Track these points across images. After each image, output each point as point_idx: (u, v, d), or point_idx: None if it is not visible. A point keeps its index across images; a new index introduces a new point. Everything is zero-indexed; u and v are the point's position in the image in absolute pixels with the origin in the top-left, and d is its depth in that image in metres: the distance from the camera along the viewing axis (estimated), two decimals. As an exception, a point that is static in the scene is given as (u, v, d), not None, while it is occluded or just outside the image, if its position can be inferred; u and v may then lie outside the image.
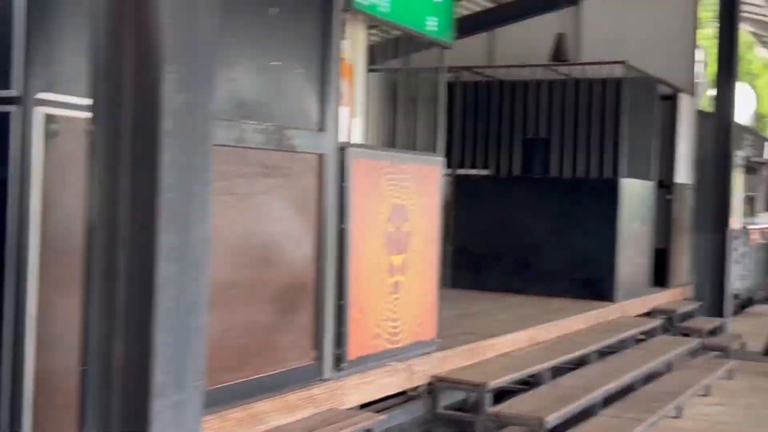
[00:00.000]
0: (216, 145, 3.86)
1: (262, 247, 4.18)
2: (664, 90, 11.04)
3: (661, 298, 10.65)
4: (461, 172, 10.02)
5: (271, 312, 4.26)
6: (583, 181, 9.38)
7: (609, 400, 6.63)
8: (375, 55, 6.10)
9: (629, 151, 9.49)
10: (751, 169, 16.13)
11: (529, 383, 6.58)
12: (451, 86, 10.53)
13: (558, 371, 7.17)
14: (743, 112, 21.28)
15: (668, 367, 8.17)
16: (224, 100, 3.91)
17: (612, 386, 6.47)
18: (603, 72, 9.44)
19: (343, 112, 4.87)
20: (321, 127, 4.55)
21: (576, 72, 9.63)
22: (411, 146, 5.90)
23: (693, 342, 9.05)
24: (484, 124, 9.87)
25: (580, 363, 7.46)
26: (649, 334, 9.41)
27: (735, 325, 12.13)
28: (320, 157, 4.54)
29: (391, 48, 6.20)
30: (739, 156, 11.58)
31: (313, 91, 4.49)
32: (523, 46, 12.11)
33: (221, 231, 3.94)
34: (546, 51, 11.78)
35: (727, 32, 11.50)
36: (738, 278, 14.37)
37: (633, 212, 9.60)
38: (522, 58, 10.53)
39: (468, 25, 12.50)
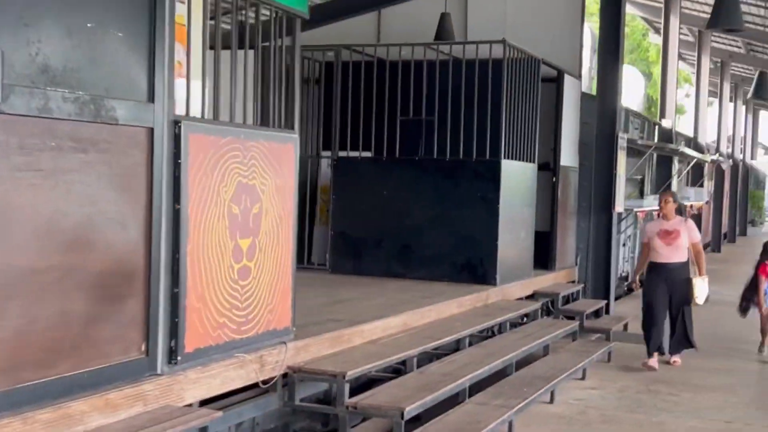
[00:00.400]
0: (14, 114, 3.47)
1: (77, 229, 3.76)
2: (549, 72, 10.95)
3: (545, 281, 10.57)
4: (342, 154, 9.71)
5: (90, 301, 3.85)
6: (465, 162, 9.16)
7: (481, 386, 6.43)
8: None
9: (511, 133, 9.32)
10: (639, 152, 16.29)
11: (399, 371, 6.33)
12: (330, 66, 10.29)
13: (434, 357, 6.94)
14: (633, 96, 21.56)
15: (545, 351, 8.05)
16: (24, 64, 3.48)
17: (481, 372, 6.26)
18: (486, 52, 9.22)
19: (180, 82, 4.48)
20: (150, 98, 4.15)
21: (459, 52, 9.39)
22: (278, 124, 5.53)
23: (572, 324, 8.95)
24: (366, 105, 9.55)
25: (455, 349, 7.25)
26: (530, 317, 9.31)
27: (620, 307, 12.18)
28: (149, 131, 4.15)
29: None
30: (623, 138, 11.57)
31: (139, 58, 4.08)
32: (409, 25, 11.86)
33: (22, 211, 3.52)
34: (433, 31, 11.57)
35: (611, 15, 11.46)
36: (625, 260, 14.49)
37: (515, 194, 9.45)
38: (408, 38, 10.26)
39: (352, 5, 12.23)
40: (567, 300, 10.71)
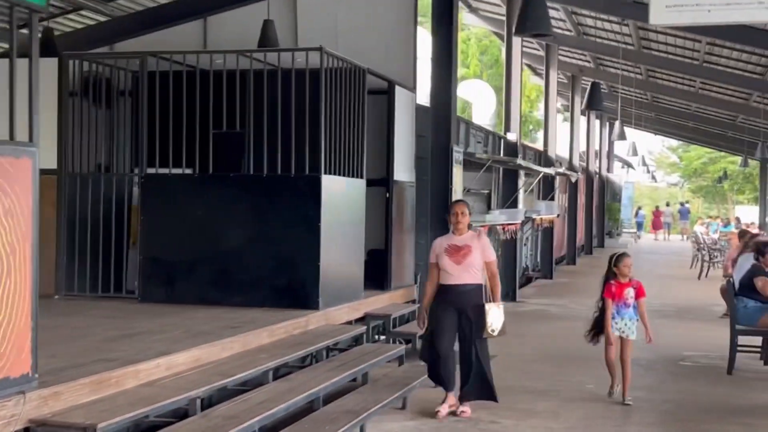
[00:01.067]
0: None
1: None
2: (380, 84, 10.50)
3: (379, 301, 10.06)
4: (151, 171, 8.94)
5: None
6: (284, 178, 8.55)
7: (277, 427, 5.80)
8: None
9: (333, 147, 8.78)
10: (486, 167, 16.08)
11: (188, 413, 5.63)
12: (136, 75, 9.51)
13: (231, 394, 6.27)
14: (486, 112, 21.53)
15: (364, 380, 7.50)
16: None
17: (275, 411, 5.63)
18: (314, 61, 8.64)
19: None
20: None
21: (285, 61, 8.78)
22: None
23: (398, 349, 8.44)
24: (177, 118, 8.83)
25: (258, 384, 6.60)
26: (357, 341, 8.76)
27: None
28: None
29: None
30: (458, 152, 11.23)
31: None
32: (237, 33, 11.20)
33: None
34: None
35: (442, 23, 11.13)
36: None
37: (339, 212, 8.90)
38: (234, 46, 9.60)
39: (177, 12, 11.48)
40: (402, 321, 10.23)
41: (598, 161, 35.34)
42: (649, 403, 8.08)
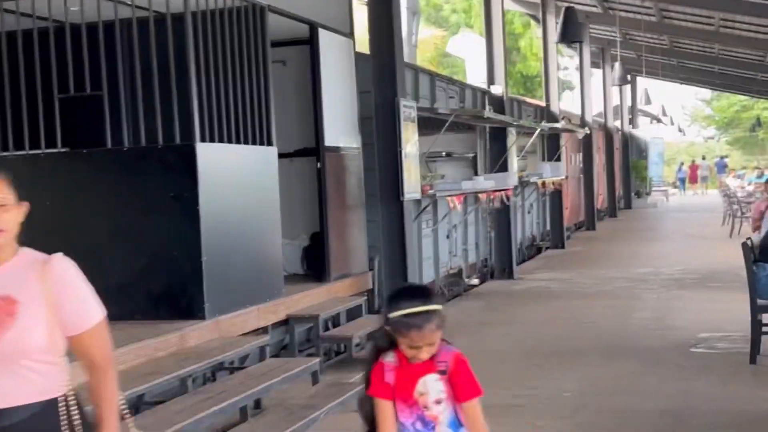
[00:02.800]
0: None
1: None
2: (298, 29, 8.52)
3: (312, 297, 8.12)
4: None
5: None
6: (149, 151, 6.61)
7: None
8: None
9: (214, 107, 6.80)
10: (469, 127, 14.01)
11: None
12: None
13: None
14: (479, 68, 19.34)
15: (257, 406, 5.60)
16: None
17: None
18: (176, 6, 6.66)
19: None
20: None
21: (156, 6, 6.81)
22: None
23: (309, 364, 6.47)
24: (11, 83, 6.91)
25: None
26: (269, 354, 6.83)
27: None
28: None
29: None
30: (408, 107, 9.19)
31: None
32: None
33: None
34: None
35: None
36: (452, 254, 12.17)
37: (232, 190, 6.94)
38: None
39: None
40: (338, 321, 8.28)
41: (619, 118, 32.99)
42: (641, 416, 6.05)
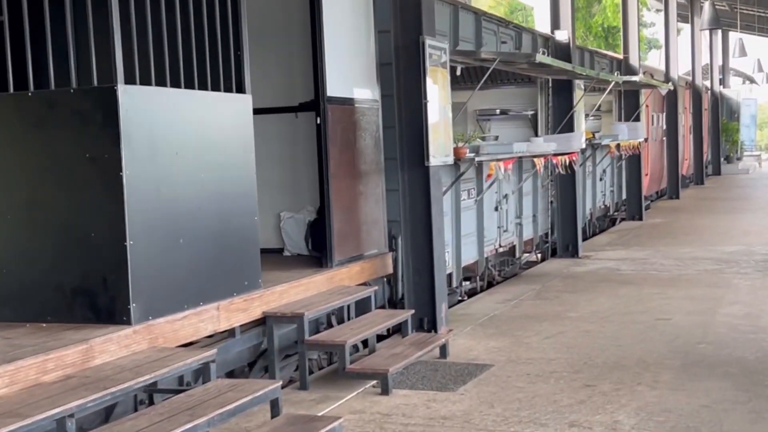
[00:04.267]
0: None
1: None
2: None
3: (306, 288, 6.40)
4: None
5: None
6: (58, 97, 4.94)
7: None
8: None
9: (167, 40, 5.10)
10: (528, 79, 12.06)
11: None
12: None
13: None
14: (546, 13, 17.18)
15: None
16: None
17: None
18: None
19: None
20: None
21: None
22: None
23: (266, 389, 4.73)
24: None
25: None
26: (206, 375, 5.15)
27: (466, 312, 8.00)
28: None
29: None
30: (437, 49, 7.33)
31: None
32: None
33: None
34: None
35: None
36: (503, 229, 10.32)
37: (179, 151, 5.23)
38: None
39: None
40: (344, 317, 6.56)
41: (709, 76, 30.26)
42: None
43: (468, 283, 9.85)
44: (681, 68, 23.01)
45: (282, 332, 6.07)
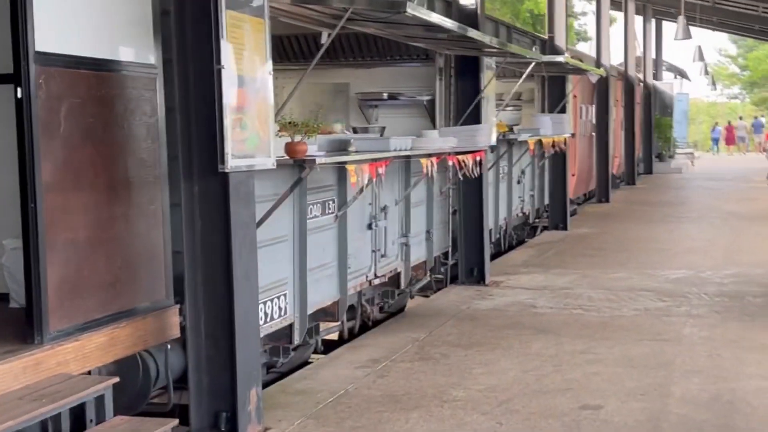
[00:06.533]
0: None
1: None
2: None
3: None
4: None
5: None
6: None
7: None
8: None
9: None
10: (426, 56, 9.44)
11: None
12: None
13: None
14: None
15: None
16: None
17: None
18: None
19: None
20: None
21: None
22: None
23: None
24: None
25: None
26: None
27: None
28: None
29: None
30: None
31: None
32: None
33: None
34: None
35: None
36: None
37: None
38: None
39: None
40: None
41: (642, 67, 28.11)
42: None
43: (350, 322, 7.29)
44: (613, 59, 20.75)
45: None
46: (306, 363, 6.79)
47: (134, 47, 4.72)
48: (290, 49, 9.71)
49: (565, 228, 13.80)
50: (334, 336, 7.46)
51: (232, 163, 4.51)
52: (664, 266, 10.17)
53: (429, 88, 9.38)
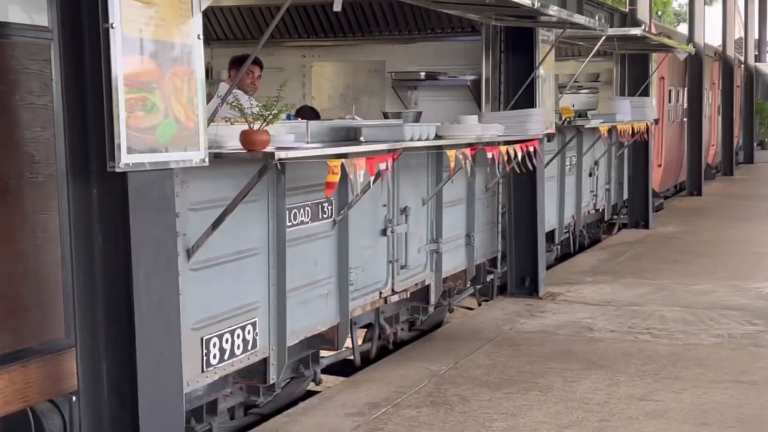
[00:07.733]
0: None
1: None
2: None
3: None
4: None
5: None
6: None
7: None
8: None
9: None
10: (472, 28, 8.09)
11: None
12: None
13: None
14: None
15: None
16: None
17: None
18: None
19: None
20: None
21: None
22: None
23: None
24: None
25: None
26: None
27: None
28: None
29: None
30: None
31: None
32: None
33: None
34: None
35: None
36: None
37: None
38: None
39: None
40: None
41: (743, 48, 25.91)
42: None
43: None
44: (712, 40, 18.89)
45: None
46: (309, 394, 5.64)
47: (18, 2, 3.55)
48: (317, 21, 8.42)
49: (646, 226, 12.22)
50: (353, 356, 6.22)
51: (127, 159, 3.28)
52: (758, 277, 8.58)
53: (474, 66, 7.99)
